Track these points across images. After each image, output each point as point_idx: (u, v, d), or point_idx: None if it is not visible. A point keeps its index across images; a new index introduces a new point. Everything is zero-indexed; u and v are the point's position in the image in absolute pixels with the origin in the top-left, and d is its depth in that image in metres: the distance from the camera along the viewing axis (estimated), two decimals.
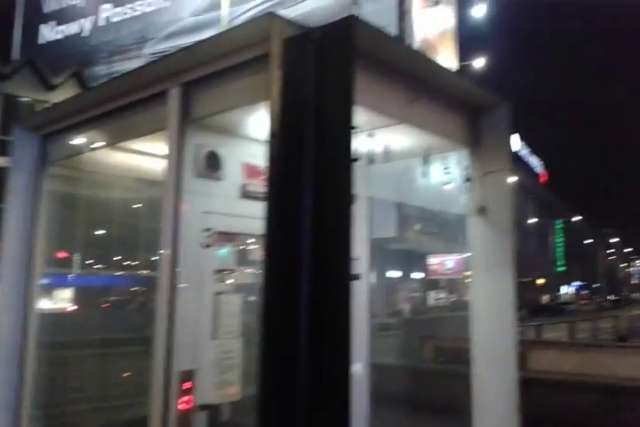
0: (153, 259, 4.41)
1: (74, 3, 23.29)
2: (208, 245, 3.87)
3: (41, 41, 23.98)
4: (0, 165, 12.95)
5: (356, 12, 17.99)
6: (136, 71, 3.77)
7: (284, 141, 2.88)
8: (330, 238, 2.87)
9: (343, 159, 2.91)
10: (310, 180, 2.93)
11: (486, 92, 4.07)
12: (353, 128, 2.90)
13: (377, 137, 3.70)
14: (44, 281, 4.66)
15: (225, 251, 4.10)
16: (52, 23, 23.80)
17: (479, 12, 19.65)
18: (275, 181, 2.89)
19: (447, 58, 20.62)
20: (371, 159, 3.67)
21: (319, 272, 2.87)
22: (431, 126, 3.86)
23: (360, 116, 3.22)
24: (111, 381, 8.53)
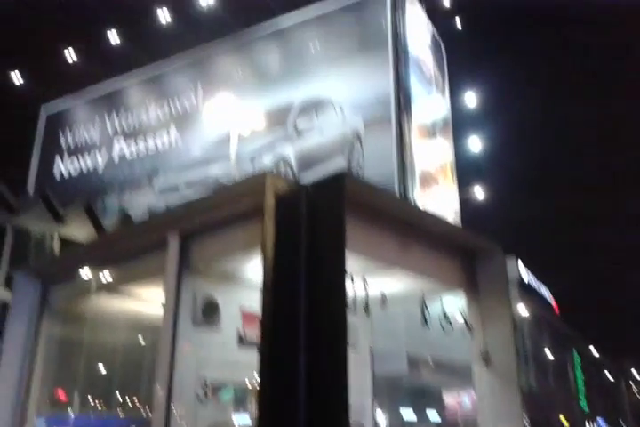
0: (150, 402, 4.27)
1: (90, 139, 24.66)
2: (201, 400, 3.76)
3: (56, 174, 25.12)
4: (4, 299, 13.05)
5: (356, 146, 18.98)
6: (138, 224, 3.93)
7: (276, 293, 2.92)
8: (326, 393, 2.81)
9: (338, 306, 2.94)
10: (305, 330, 2.93)
11: (480, 238, 4.18)
12: (346, 273, 2.96)
13: (372, 282, 3.75)
14: (40, 423, 4.62)
15: (226, 395, 3.98)
16: (68, 158, 25.08)
17: (475, 145, 20.61)
18: (268, 334, 2.90)
19: (447, 187, 21.33)
20: (366, 305, 3.67)
21: (315, 423, 2.78)
22: (426, 270, 3.92)
23: (351, 261, 3.30)
24: None
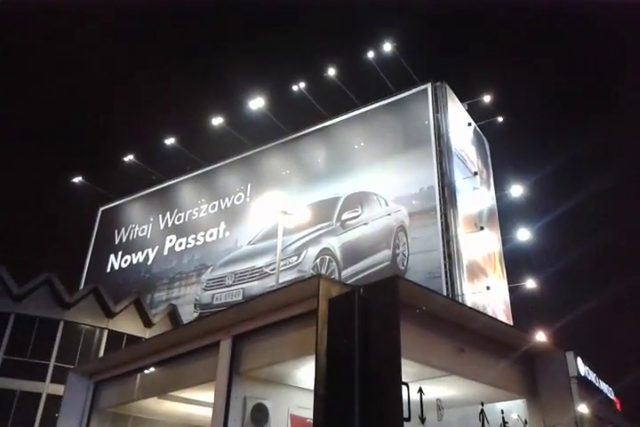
0: None
1: (142, 235, 25.52)
2: None
3: (108, 270, 25.76)
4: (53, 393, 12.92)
5: (402, 237, 18.98)
6: (190, 324, 3.97)
7: (329, 401, 2.85)
8: None
9: (394, 419, 2.83)
10: None
11: (537, 339, 4.03)
12: (403, 383, 2.88)
13: (427, 389, 3.61)
14: None
15: None
16: (120, 253, 25.83)
17: (524, 235, 20.35)
18: None
19: (496, 279, 20.87)
20: (423, 419, 3.51)
21: None
22: (482, 376, 3.77)
23: (406, 368, 3.21)
24: None
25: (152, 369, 4.27)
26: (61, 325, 16.47)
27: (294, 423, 3.94)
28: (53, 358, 16.28)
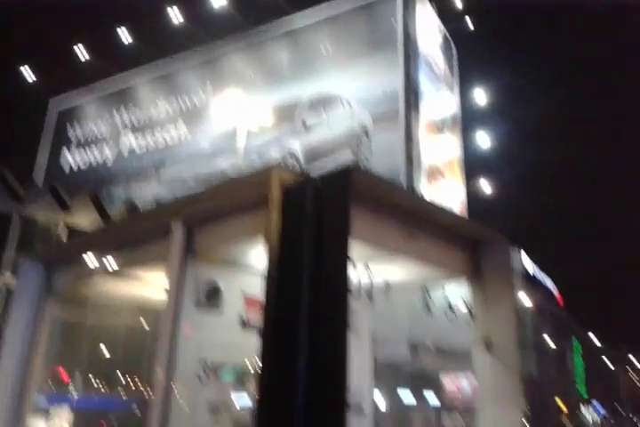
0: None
1: (98, 132, 24.85)
2: (203, 379, 3.79)
3: (64, 166, 25.34)
4: (9, 284, 13.16)
5: (364, 140, 18.99)
6: (143, 211, 3.95)
7: (280, 280, 2.93)
8: (326, 371, 2.82)
9: (340, 290, 2.94)
10: (306, 314, 2.94)
11: (483, 228, 4.17)
12: (350, 259, 2.96)
13: (375, 269, 3.75)
14: (42, 402, 4.69)
15: (227, 376, 4.01)
16: (75, 150, 25.27)
17: (484, 141, 20.64)
18: (270, 317, 2.91)
19: (454, 181, 21.34)
20: (370, 293, 3.68)
21: (314, 405, 2.79)
22: (429, 259, 3.92)
23: (357, 249, 3.31)
24: None
25: (105, 251, 4.30)
26: (16, 218, 16.41)
27: (248, 304, 4.09)
28: (11, 253, 16.36)
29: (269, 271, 2.87)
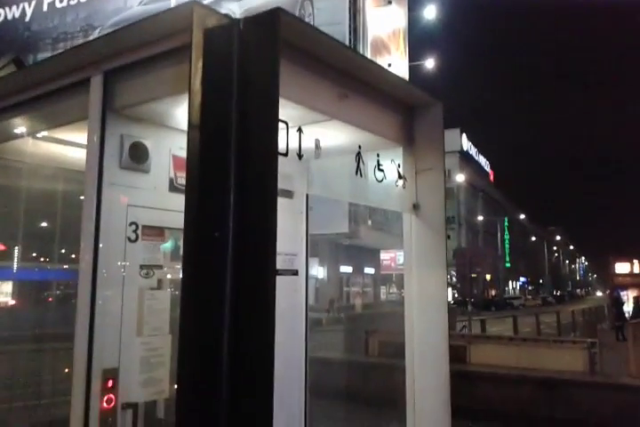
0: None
1: None
2: (133, 240, 3.77)
3: None
4: None
5: (307, 8, 17.94)
6: (58, 57, 3.63)
7: (204, 135, 2.80)
8: (254, 234, 2.81)
9: (268, 152, 2.86)
10: (233, 174, 2.87)
11: (419, 91, 4.08)
12: (278, 121, 2.85)
13: (307, 133, 3.66)
14: None
15: (165, 245, 4.01)
16: None
17: (430, 13, 19.89)
18: (194, 176, 2.82)
19: (398, 57, 20.80)
20: (301, 155, 3.62)
21: (243, 268, 2.81)
22: (363, 123, 3.84)
23: (288, 110, 3.18)
24: (43, 378, 8.29)
25: (22, 109, 4.01)
26: None
27: (176, 162, 3.98)
28: None
29: (191, 122, 2.73)
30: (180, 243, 3.85)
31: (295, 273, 4.84)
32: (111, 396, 3.55)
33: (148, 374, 3.83)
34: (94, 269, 3.41)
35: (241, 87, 2.86)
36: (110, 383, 3.54)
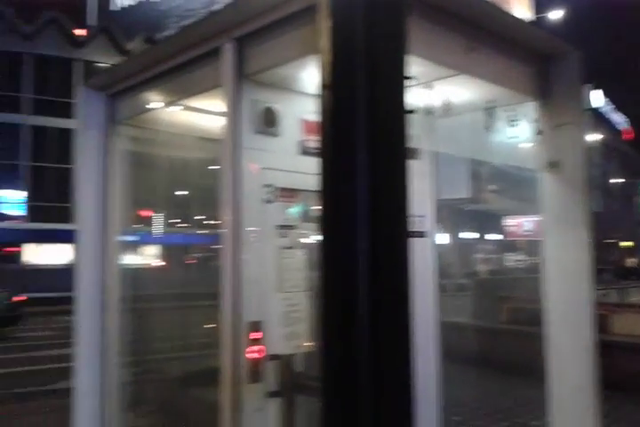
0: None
1: None
2: (269, 201, 3.93)
3: (113, 7, 24.58)
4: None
5: None
6: (189, 28, 3.79)
7: (335, 94, 2.82)
8: (386, 194, 2.82)
9: (397, 111, 2.83)
10: (364, 133, 2.87)
11: (555, 40, 3.82)
12: (407, 78, 2.81)
13: (436, 89, 3.58)
14: (126, 238, 4.86)
15: (294, 209, 4.14)
16: None
17: None
18: (327, 137, 2.86)
19: (521, 9, 19.54)
20: (430, 112, 3.55)
21: (376, 229, 2.83)
22: (494, 77, 3.68)
23: (416, 66, 3.12)
24: (190, 332, 8.99)
25: (159, 79, 4.26)
26: (76, 64, 16.34)
27: (306, 126, 4.06)
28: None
29: (322, 85, 2.75)
30: (310, 204, 3.97)
31: (424, 235, 4.82)
32: (257, 347, 3.77)
33: (289, 329, 4.02)
34: (236, 230, 3.60)
35: (368, 45, 2.84)
36: (256, 336, 3.76)
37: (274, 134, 3.98)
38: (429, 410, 4.68)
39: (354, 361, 2.75)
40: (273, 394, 3.85)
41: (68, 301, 5.09)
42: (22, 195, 43.57)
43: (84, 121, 4.66)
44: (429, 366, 4.74)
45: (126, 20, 23.75)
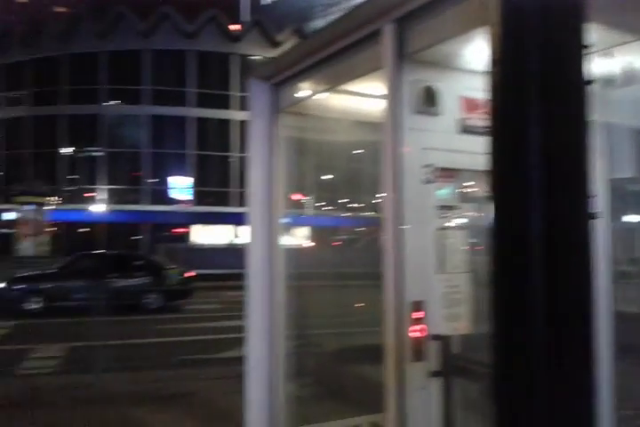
0: (375, 201, 4.56)
1: None
2: (429, 181, 3.89)
3: (263, 2, 25.48)
4: (242, 119, 14.30)
5: None
6: (350, 13, 3.82)
7: (506, 69, 2.70)
8: (562, 172, 2.66)
9: (575, 83, 2.64)
10: (537, 108, 2.72)
11: None
12: (585, 47, 2.61)
13: (616, 57, 3.29)
14: (285, 220, 5.12)
15: (446, 191, 4.08)
16: None
17: None
18: (498, 113, 2.75)
19: None
20: (609, 82, 3.27)
21: (552, 211, 2.68)
22: None
23: (594, 33, 2.89)
24: (345, 310, 9.23)
25: (320, 66, 4.37)
26: (232, 58, 17.26)
27: (465, 104, 3.95)
28: (236, 89, 17.50)
29: (493, 60, 2.63)
30: (467, 184, 3.85)
31: (597, 216, 4.50)
32: (420, 326, 3.79)
33: (449, 310, 3.99)
34: (397, 211, 3.62)
35: (542, 14, 2.67)
36: (418, 315, 3.78)
37: (434, 114, 3.92)
38: (601, 404, 4.42)
39: (530, 349, 2.65)
40: (435, 373, 3.85)
41: (230, 277, 5.46)
42: (189, 181, 47.33)
43: (254, 110, 4.90)
44: (603, 359, 4.46)
45: (276, 13, 24.55)
